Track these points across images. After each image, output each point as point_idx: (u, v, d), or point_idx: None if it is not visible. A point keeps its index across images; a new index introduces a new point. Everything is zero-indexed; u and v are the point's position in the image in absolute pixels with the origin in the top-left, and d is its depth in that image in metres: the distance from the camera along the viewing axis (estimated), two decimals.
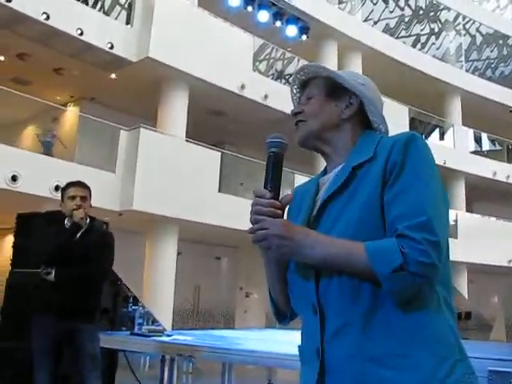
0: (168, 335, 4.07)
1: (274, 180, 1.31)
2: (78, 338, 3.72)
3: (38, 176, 10.23)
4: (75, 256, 3.70)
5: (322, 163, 1.55)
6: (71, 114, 14.68)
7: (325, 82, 1.48)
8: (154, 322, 9.05)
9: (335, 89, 1.46)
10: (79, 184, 3.92)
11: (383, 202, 1.27)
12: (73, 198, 3.82)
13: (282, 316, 1.53)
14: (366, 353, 1.23)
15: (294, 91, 1.58)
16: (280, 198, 1.31)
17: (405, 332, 1.23)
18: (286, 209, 1.36)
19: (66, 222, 3.86)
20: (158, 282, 11.84)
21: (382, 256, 1.20)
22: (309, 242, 1.27)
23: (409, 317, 1.24)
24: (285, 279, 1.44)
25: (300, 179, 12.26)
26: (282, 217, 1.31)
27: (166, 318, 11.09)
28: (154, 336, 3.95)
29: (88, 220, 3.91)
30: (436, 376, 1.21)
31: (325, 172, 1.51)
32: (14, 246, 5.14)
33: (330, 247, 1.26)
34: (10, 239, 5.84)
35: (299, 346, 1.44)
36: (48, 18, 10.70)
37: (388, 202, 1.27)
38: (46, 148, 11.94)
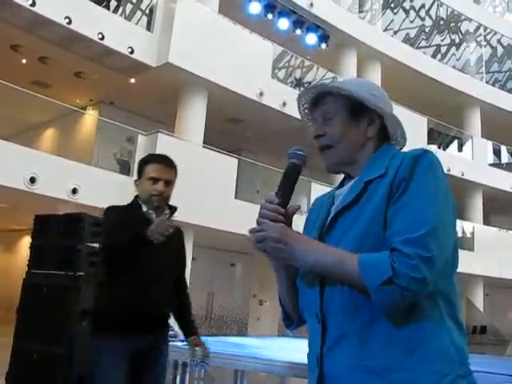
0: (181, 340, 4.07)
1: (285, 188, 1.36)
2: (154, 358, 2.92)
3: (56, 178, 10.31)
4: (157, 258, 2.85)
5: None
6: (90, 117, 14.80)
7: (344, 101, 1.45)
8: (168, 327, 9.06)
9: (356, 107, 1.44)
10: (165, 161, 3.02)
11: (387, 217, 1.28)
12: (155, 180, 2.92)
13: (289, 321, 1.55)
14: (363, 365, 1.23)
15: (303, 106, 1.56)
16: (288, 206, 1.34)
17: (403, 346, 1.23)
18: (304, 219, 1.38)
19: (144, 209, 2.94)
20: None
21: (371, 268, 1.22)
22: (302, 248, 1.30)
23: (408, 330, 1.23)
24: (293, 285, 1.46)
25: (317, 188, 12.23)
26: (287, 224, 1.34)
27: None
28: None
29: (168, 211, 3.04)
30: None
31: (342, 184, 1.52)
32: (32, 247, 5.18)
33: (323, 255, 1.28)
34: (27, 240, 5.89)
35: (307, 354, 1.45)
36: (70, 22, 10.81)
37: (390, 216, 1.28)
38: (123, 167, 12.10)
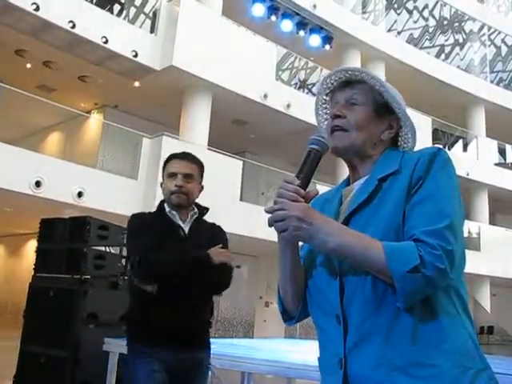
0: None
1: (305, 172, 1.33)
2: (194, 376, 2.69)
3: (62, 182, 10.33)
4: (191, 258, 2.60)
5: (344, 173, 1.55)
6: (95, 121, 14.84)
7: (374, 95, 1.45)
8: None
9: (382, 106, 1.44)
10: (183, 156, 2.85)
11: (405, 212, 1.28)
12: (173, 174, 2.77)
13: (288, 316, 1.53)
14: (390, 362, 1.23)
15: (326, 84, 1.53)
16: (307, 190, 1.32)
17: (428, 341, 1.23)
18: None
19: (167, 210, 2.79)
20: None
21: (399, 255, 1.21)
22: (327, 229, 1.27)
23: (429, 325, 1.24)
24: (297, 278, 1.44)
25: (321, 189, 12.19)
26: None
27: None
28: None
29: (196, 210, 2.84)
30: None
31: (347, 182, 1.51)
32: (37, 251, 5.20)
33: (347, 237, 1.27)
34: (33, 244, 5.90)
35: (319, 358, 1.43)
36: (74, 26, 10.85)
37: (408, 210, 1.28)
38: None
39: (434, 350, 1.22)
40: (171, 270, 2.53)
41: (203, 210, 2.90)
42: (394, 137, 1.48)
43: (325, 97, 1.56)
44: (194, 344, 2.66)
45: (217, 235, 2.84)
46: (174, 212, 2.76)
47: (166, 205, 2.82)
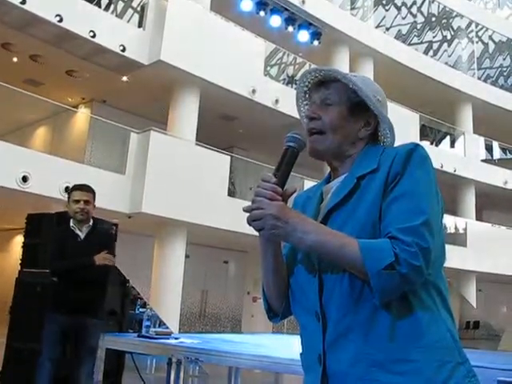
0: (175, 338, 4.07)
1: (282, 170, 1.34)
2: (82, 334, 4.05)
3: (48, 177, 10.28)
4: (81, 259, 3.99)
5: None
6: (82, 115, 14.76)
7: (349, 95, 1.44)
8: (161, 324, 9.05)
9: (357, 104, 1.44)
10: (82, 188, 4.19)
11: (382, 209, 1.29)
12: (77, 201, 4.10)
13: (273, 313, 1.53)
14: (368, 358, 1.24)
15: (303, 83, 1.53)
16: (285, 188, 1.32)
17: (406, 336, 1.24)
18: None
19: (71, 223, 4.14)
20: (165, 284, 11.86)
21: (374, 252, 1.22)
22: (303, 227, 1.28)
23: (408, 321, 1.25)
24: (280, 275, 1.44)
25: (310, 185, 12.22)
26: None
27: (173, 321, 11.11)
28: (161, 339, 3.96)
29: (92, 222, 4.19)
30: (436, 380, 1.22)
31: (328, 179, 1.52)
32: (24, 246, 5.18)
33: (323, 235, 1.27)
34: (19, 239, 5.88)
35: (301, 354, 1.44)
36: (61, 20, 10.77)
37: (384, 207, 1.29)
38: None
39: (411, 346, 1.24)
40: (63, 271, 4.06)
41: (96, 223, 4.27)
42: (374, 133, 1.48)
43: (304, 94, 1.56)
44: (82, 312, 3.98)
45: (107, 241, 4.23)
46: (74, 226, 4.14)
47: (71, 220, 4.15)
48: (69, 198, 4.19)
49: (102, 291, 4.17)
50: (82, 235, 4.12)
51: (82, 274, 3.97)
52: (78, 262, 3.98)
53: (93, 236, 4.13)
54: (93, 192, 4.24)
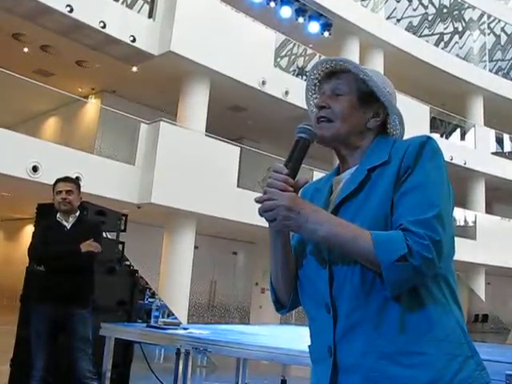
0: (184, 328, 4.09)
1: (294, 161, 1.34)
2: (71, 323, 4.02)
3: (59, 167, 10.29)
4: (66, 246, 4.01)
5: None
6: (92, 106, 14.80)
7: (358, 84, 1.44)
8: (170, 315, 9.10)
9: (367, 95, 1.44)
10: (65, 179, 4.26)
11: (393, 202, 1.29)
12: (59, 192, 4.16)
13: (280, 305, 1.53)
14: (378, 350, 1.24)
15: (314, 75, 1.53)
16: (297, 179, 1.32)
17: (416, 329, 1.24)
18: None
19: (58, 215, 4.20)
20: (174, 275, 11.90)
21: (387, 244, 1.22)
22: (316, 218, 1.27)
23: (418, 314, 1.25)
24: (289, 267, 1.44)
25: (319, 176, 12.17)
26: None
27: (181, 312, 11.15)
28: (169, 329, 3.98)
29: (78, 212, 4.25)
30: (446, 373, 1.22)
31: (337, 171, 1.52)
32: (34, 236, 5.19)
33: (336, 227, 1.27)
34: (30, 229, 5.91)
35: (309, 346, 1.44)
36: (71, 10, 10.78)
37: (396, 200, 1.29)
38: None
39: (421, 338, 1.24)
40: (47, 258, 4.09)
41: (84, 212, 4.48)
42: (384, 124, 1.48)
43: (314, 86, 1.56)
44: (68, 302, 4.00)
45: (94, 230, 4.22)
46: (60, 217, 4.19)
47: (58, 213, 4.20)
48: (53, 191, 4.24)
49: (87, 280, 4.17)
50: (68, 225, 4.16)
51: (67, 262, 3.98)
52: (62, 249, 3.99)
53: (79, 226, 4.17)
54: (76, 183, 4.32)
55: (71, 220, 4.18)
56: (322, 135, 1.44)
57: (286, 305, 1.51)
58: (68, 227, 4.16)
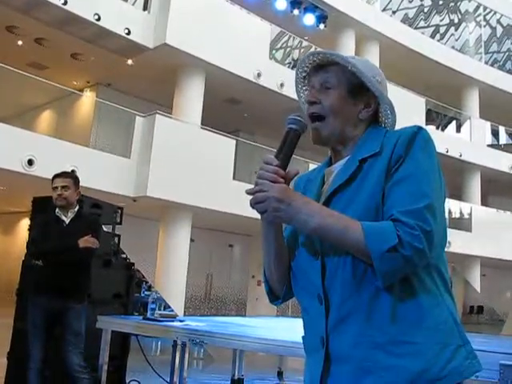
0: (180, 321, 4.10)
1: (285, 152, 1.33)
2: (66, 317, 4.02)
3: (54, 160, 10.28)
4: (64, 241, 4.01)
5: None
6: (87, 99, 14.75)
7: (347, 77, 1.44)
8: (166, 307, 9.10)
9: (356, 86, 1.43)
10: (60, 175, 4.26)
11: (384, 192, 1.29)
12: (55, 188, 4.16)
13: (274, 296, 1.53)
14: (370, 340, 1.25)
15: (302, 69, 1.53)
16: (287, 170, 1.32)
17: (408, 319, 1.25)
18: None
19: (56, 210, 4.19)
20: (170, 268, 11.91)
21: (377, 235, 1.22)
22: (306, 209, 1.28)
23: (410, 303, 1.26)
24: (281, 258, 1.44)
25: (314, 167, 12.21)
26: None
27: (178, 304, 11.17)
28: (166, 321, 3.99)
29: (77, 207, 4.24)
30: (438, 362, 1.23)
31: (329, 162, 1.51)
32: (30, 229, 5.19)
33: (327, 218, 1.27)
34: (26, 222, 5.90)
35: (303, 337, 1.45)
36: (66, 2, 10.73)
37: (387, 190, 1.29)
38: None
39: (413, 328, 1.24)
40: (45, 253, 4.08)
41: (82, 208, 4.34)
42: (375, 114, 1.48)
43: (303, 79, 1.56)
44: (64, 296, 4.00)
45: (92, 226, 4.19)
46: (59, 212, 4.17)
47: (57, 208, 4.18)
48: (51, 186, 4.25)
49: (84, 275, 4.16)
50: (66, 220, 4.15)
51: (65, 257, 3.98)
52: (60, 244, 3.99)
53: (78, 221, 4.15)
54: (72, 177, 4.29)
55: (70, 215, 4.17)
56: (318, 136, 1.45)
57: (279, 296, 1.52)
58: (67, 222, 4.15)
